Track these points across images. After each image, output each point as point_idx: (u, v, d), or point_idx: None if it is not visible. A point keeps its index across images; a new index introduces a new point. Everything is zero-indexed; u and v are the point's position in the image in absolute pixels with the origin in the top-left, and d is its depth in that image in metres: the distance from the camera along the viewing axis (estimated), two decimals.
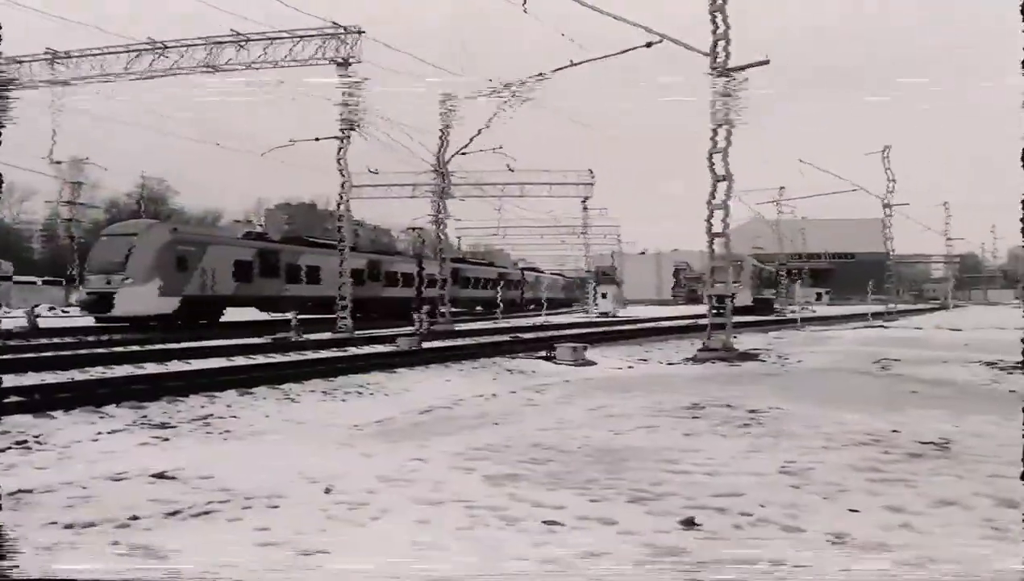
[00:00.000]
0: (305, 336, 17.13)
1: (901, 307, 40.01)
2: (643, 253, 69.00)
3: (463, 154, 23.87)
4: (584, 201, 38.60)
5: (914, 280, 78.26)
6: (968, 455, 4.87)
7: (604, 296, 33.22)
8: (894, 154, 32.61)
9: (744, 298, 31.14)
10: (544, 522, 3.50)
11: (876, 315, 30.04)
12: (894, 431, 5.64)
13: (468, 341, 16.89)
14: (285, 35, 18.61)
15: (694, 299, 39.17)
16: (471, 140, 22.87)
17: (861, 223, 57.20)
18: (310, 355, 13.10)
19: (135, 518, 3.55)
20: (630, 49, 12.11)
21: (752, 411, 6.63)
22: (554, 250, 54.01)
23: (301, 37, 18.57)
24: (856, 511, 3.67)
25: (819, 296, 53.53)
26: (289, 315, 18.90)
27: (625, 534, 3.33)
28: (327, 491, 4.03)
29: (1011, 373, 9.99)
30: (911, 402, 7.29)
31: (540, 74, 15.36)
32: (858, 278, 46.89)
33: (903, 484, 4.20)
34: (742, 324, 23.27)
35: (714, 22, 11.19)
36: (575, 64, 13.87)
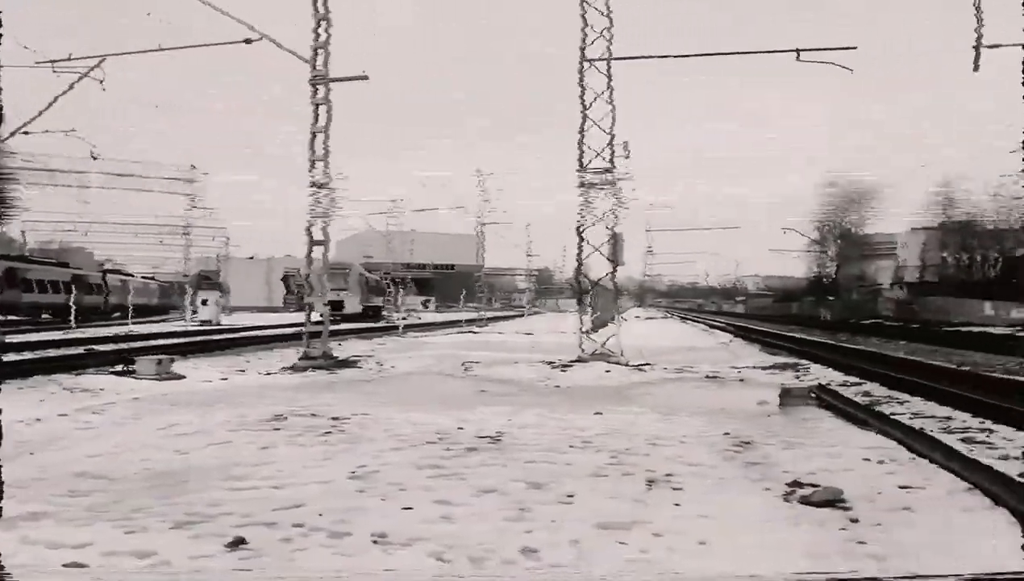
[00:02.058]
0: None
1: (492, 314, 44.92)
2: (252, 258, 66.19)
3: (25, 134, 20.09)
4: (191, 199, 35.67)
5: (504, 289, 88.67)
6: (514, 446, 5.55)
7: (205, 303, 30.94)
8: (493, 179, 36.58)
9: (352, 305, 31.83)
10: (64, 565, 3.01)
11: (470, 322, 33.22)
12: (459, 428, 6.20)
13: (17, 356, 14.05)
14: None
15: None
16: (32, 120, 19.34)
17: (461, 238, 62.68)
18: None
19: None
20: (227, 43, 11.48)
21: (336, 418, 6.69)
22: (153, 251, 48.92)
23: None
24: (410, 508, 3.88)
25: (425, 304, 57.36)
26: None
27: (163, 565, 3.03)
28: None
29: (562, 371, 11.81)
30: (481, 400, 8.13)
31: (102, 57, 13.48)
32: (458, 287, 51.50)
33: (457, 477, 4.59)
34: (349, 331, 23.72)
35: (316, 31, 11.21)
36: (163, 49, 12.66)
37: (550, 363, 12.74)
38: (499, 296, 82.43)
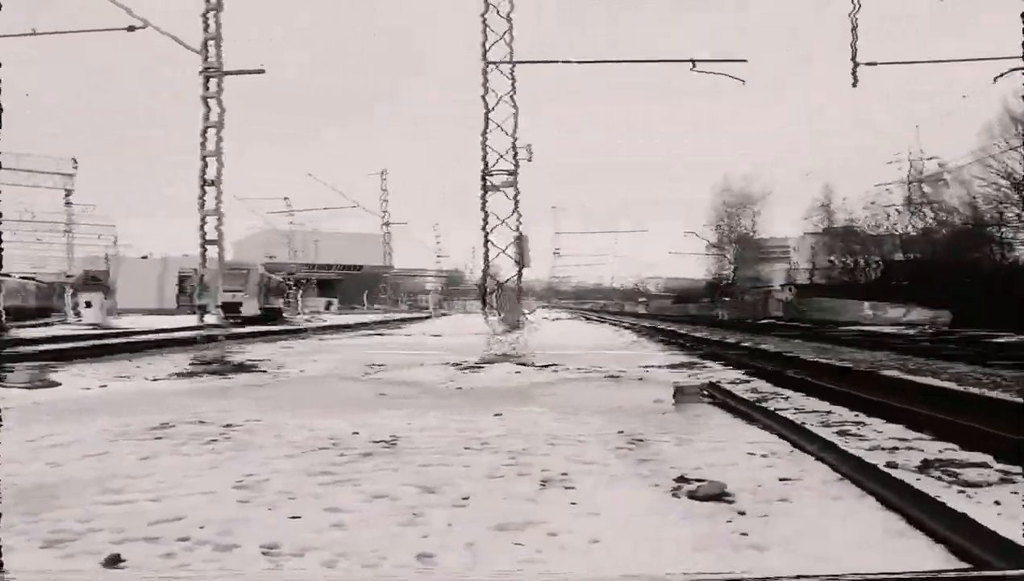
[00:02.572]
0: None
1: (399, 316, 44.37)
2: (146, 257, 63.01)
3: None
4: (67, 194, 33.49)
5: (412, 291, 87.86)
6: (410, 449, 5.48)
7: (88, 305, 29.13)
8: (396, 179, 36.15)
9: (251, 307, 30.78)
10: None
11: (375, 323, 32.73)
12: (355, 433, 6.07)
13: None
14: None
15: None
16: None
17: (367, 237, 61.77)
18: None
19: None
20: (108, 30, 10.85)
21: (226, 426, 6.43)
22: (32, 250, 45.76)
23: None
24: (298, 517, 3.76)
25: (328, 305, 56.05)
26: None
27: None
28: None
29: (466, 372, 11.79)
30: (380, 404, 8.00)
31: None
32: (363, 288, 50.66)
33: (350, 484, 4.49)
34: (248, 334, 22.89)
35: (205, 21, 10.75)
36: (36, 33, 11.82)
37: (454, 365, 12.71)
38: (407, 298, 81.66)
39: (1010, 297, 24.24)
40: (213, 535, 3.43)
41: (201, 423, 6.56)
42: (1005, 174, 31.25)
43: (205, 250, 11.67)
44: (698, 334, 24.08)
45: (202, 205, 11.09)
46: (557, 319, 50.36)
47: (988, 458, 5.02)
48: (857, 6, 11.60)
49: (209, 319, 12.42)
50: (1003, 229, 33.19)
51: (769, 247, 60.68)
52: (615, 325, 39.96)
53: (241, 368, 12.46)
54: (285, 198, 46.14)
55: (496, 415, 7.12)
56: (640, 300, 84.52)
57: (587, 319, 54.41)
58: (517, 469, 4.90)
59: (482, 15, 11.10)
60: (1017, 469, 4.69)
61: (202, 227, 11.45)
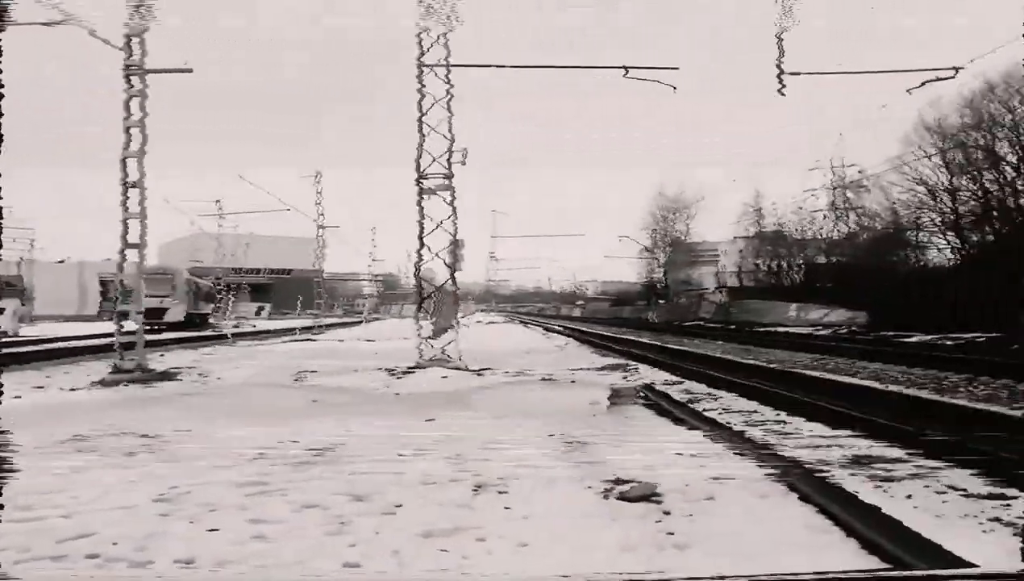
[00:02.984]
0: None
1: (332, 321, 43.64)
2: (63, 261, 60.23)
3: None
4: None
5: (348, 295, 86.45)
6: (342, 457, 5.38)
7: (1, 311, 27.66)
8: (331, 181, 35.60)
9: (177, 313, 29.75)
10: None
11: (307, 329, 32.08)
12: (285, 441, 5.93)
13: None
14: None
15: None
16: None
17: (299, 241, 60.49)
18: None
19: None
20: (30, 24, 10.30)
21: (147, 436, 6.18)
22: None
23: None
24: (216, 530, 3.64)
25: (259, 311, 54.68)
26: None
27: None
28: None
29: (400, 378, 11.67)
30: (312, 411, 7.83)
31: None
32: (296, 293, 49.63)
33: (277, 494, 4.38)
34: (173, 341, 22.12)
35: (131, 14, 10.34)
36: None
37: (388, 370, 12.56)
38: (342, 302, 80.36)
39: (924, 299, 25.48)
40: (128, 551, 3.29)
41: (121, 434, 6.29)
42: (921, 181, 32.90)
43: (125, 254, 11.20)
44: (631, 337, 24.49)
45: (124, 208, 10.64)
46: (493, 323, 50.41)
47: (903, 452, 5.25)
48: (782, 18, 12.01)
49: (129, 326, 11.90)
50: (919, 234, 34.90)
51: (701, 251, 62.22)
52: (551, 328, 40.26)
53: (165, 376, 12.01)
54: (217, 201, 44.84)
55: (430, 420, 7.07)
56: (577, 303, 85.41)
57: (524, 323, 54.67)
58: (450, 475, 4.87)
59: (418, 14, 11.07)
60: (930, 462, 4.92)
61: (124, 230, 10.98)
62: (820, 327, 29.99)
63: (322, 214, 35.12)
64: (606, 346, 21.13)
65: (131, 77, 10.43)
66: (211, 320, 36.95)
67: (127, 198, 10.76)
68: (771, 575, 2.77)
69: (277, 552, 3.32)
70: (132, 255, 11.68)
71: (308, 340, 26.38)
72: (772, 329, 28.13)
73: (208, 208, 43.47)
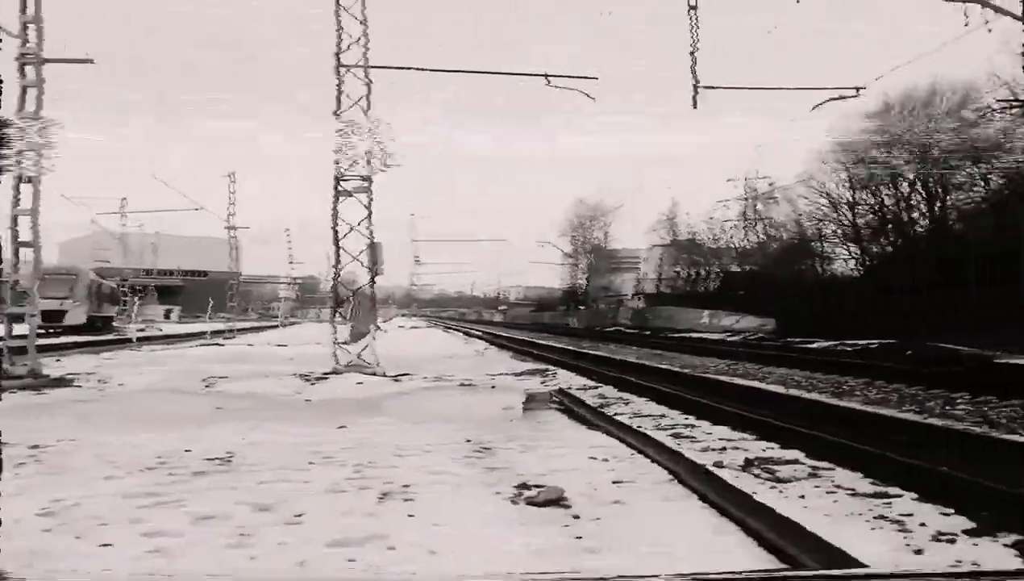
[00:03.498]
0: None
1: (246, 325, 42.34)
2: None
3: None
4: None
5: (264, 299, 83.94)
6: (246, 466, 5.21)
7: None
8: (246, 180, 34.53)
9: (77, 316, 28.19)
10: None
11: (218, 333, 30.99)
12: (187, 450, 5.70)
13: None
14: None
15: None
16: None
17: (213, 242, 58.43)
18: None
19: None
20: None
21: (36, 447, 5.84)
22: None
23: None
24: (109, 545, 3.47)
25: (168, 314, 52.39)
26: None
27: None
28: None
29: (313, 384, 11.42)
30: (217, 418, 7.56)
31: None
32: (209, 296, 47.85)
33: (175, 505, 4.20)
34: (73, 345, 21.00)
35: (23, 3, 9.76)
36: None
37: (302, 376, 12.26)
38: (257, 306, 77.99)
39: (827, 307, 26.79)
40: (9, 570, 3.08)
41: (4, 445, 5.90)
42: (825, 194, 34.61)
43: (18, 253, 10.54)
44: (551, 342, 24.74)
45: (16, 203, 10.01)
46: (415, 328, 50.02)
47: (800, 455, 5.49)
48: (696, 35, 12.42)
49: (20, 330, 11.21)
50: (823, 244, 36.68)
51: (620, 257, 63.47)
52: (473, 333, 40.25)
53: (60, 383, 11.35)
54: (123, 199, 42.75)
55: (341, 427, 6.93)
56: (500, 308, 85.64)
57: (446, 328, 54.45)
58: (359, 482, 4.79)
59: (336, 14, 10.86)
60: (824, 464, 5.16)
61: (14, 227, 10.32)
62: (731, 333, 31.09)
63: (232, 214, 34.01)
64: (526, 351, 21.28)
65: (25, 67, 9.85)
66: (116, 323, 35.21)
67: (19, 195, 10.15)
68: (675, 575, 2.84)
69: (173, 567, 3.18)
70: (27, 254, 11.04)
71: (218, 345, 25.48)
72: (686, 335, 28.98)
73: (113, 205, 41.48)
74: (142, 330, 29.27)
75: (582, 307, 57.41)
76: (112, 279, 39.82)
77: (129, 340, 25.45)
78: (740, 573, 3.02)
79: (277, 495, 4.41)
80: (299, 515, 4.01)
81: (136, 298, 38.63)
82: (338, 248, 12.70)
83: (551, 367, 15.48)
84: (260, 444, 6.01)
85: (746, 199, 49.36)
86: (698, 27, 12.20)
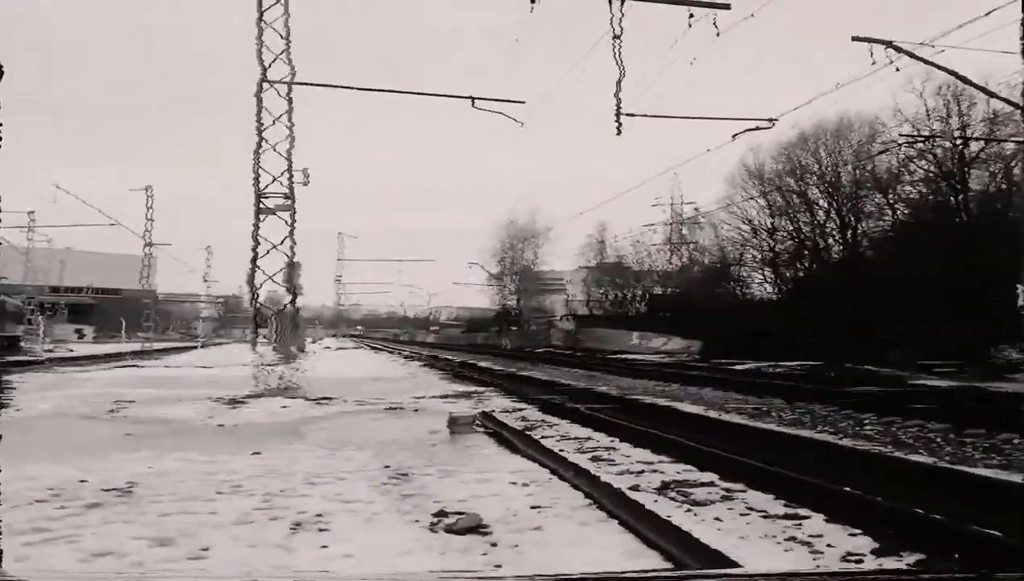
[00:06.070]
0: None
1: (164, 345, 40.64)
2: None
3: None
4: None
5: (184, 318, 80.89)
6: (148, 497, 4.93)
7: None
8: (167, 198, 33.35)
9: None
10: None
11: (135, 354, 29.66)
12: (83, 480, 5.36)
13: None
14: None
15: None
16: None
17: (129, 259, 56.16)
18: None
19: None
20: None
21: None
22: None
23: None
24: None
25: (79, 333, 49.87)
26: None
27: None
28: None
29: (233, 408, 11.00)
30: (122, 445, 7.17)
31: None
32: (126, 314, 45.74)
33: (65, 541, 3.93)
34: None
35: None
36: None
37: (218, 399, 11.82)
38: (177, 325, 75.11)
39: (747, 330, 27.58)
40: None
41: None
42: (747, 220, 35.81)
43: None
44: (481, 363, 24.63)
45: None
46: (342, 349, 49.05)
47: (716, 477, 5.55)
48: (620, 64, 12.70)
49: None
50: (742, 268, 37.89)
51: (548, 279, 63.97)
52: (402, 354, 39.71)
53: None
54: (30, 212, 40.57)
55: (255, 454, 6.67)
56: (431, 329, 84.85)
57: (374, 349, 53.58)
58: (270, 513, 4.59)
59: (258, 24, 10.63)
60: (738, 485, 5.23)
61: None
62: (660, 354, 31.64)
63: (149, 231, 32.77)
64: (457, 373, 21.10)
65: None
66: (22, 344, 33.29)
67: None
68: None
69: None
70: None
71: (133, 367, 24.36)
72: (616, 356, 29.34)
73: (17, 220, 39.35)
74: (50, 351, 27.73)
75: (514, 328, 57.50)
76: (18, 297, 37.67)
77: (35, 361, 24.08)
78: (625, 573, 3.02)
79: (181, 527, 4.18)
80: (204, 549, 3.80)
81: (42, 317, 36.59)
82: (255, 267, 12.37)
83: (481, 388, 15.36)
84: (166, 473, 5.71)
85: (671, 223, 50.64)
86: (621, 58, 12.47)
